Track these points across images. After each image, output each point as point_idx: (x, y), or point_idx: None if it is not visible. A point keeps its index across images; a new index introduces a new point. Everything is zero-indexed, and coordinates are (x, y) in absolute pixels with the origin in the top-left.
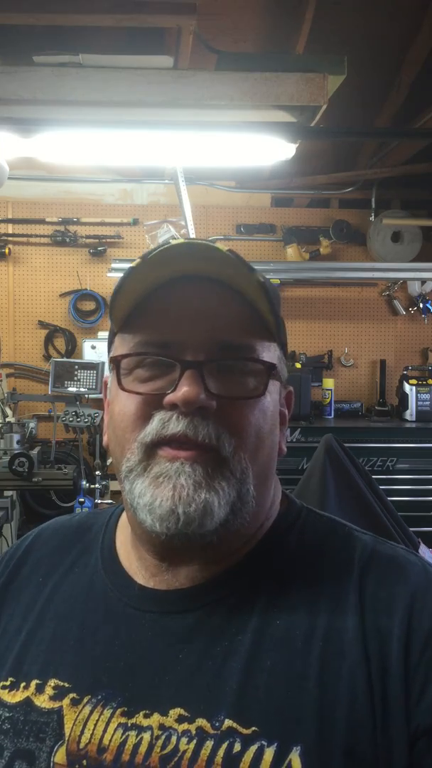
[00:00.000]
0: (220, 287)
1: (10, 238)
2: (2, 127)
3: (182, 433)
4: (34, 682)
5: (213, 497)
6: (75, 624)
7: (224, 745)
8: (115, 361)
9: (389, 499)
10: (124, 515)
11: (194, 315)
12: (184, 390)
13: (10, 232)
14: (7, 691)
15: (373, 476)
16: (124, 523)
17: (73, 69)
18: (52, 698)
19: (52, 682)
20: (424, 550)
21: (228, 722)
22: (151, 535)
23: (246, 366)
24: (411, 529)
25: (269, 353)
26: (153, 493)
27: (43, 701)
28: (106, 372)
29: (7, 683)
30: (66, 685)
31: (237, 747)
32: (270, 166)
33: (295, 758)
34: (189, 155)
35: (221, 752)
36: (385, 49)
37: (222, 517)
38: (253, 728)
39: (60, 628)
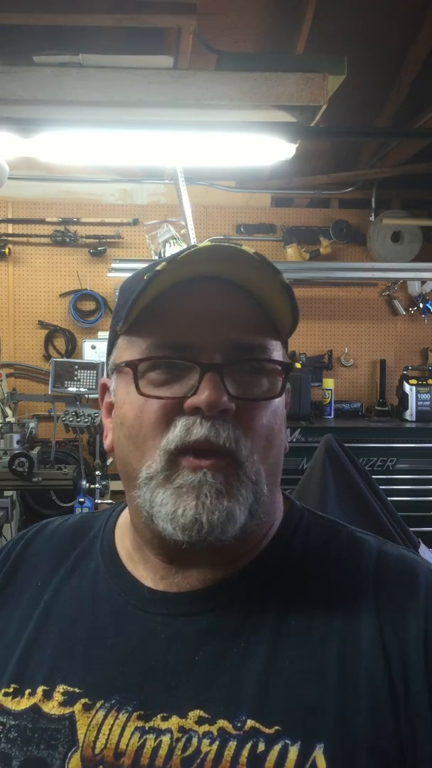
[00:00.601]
0: (225, 286)
1: (10, 238)
2: (2, 127)
3: (205, 437)
4: (40, 689)
5: (234, 505)
6: (81, 629)
7: (248, 745)
8: (132, 365)
9: (389, 499)
10: (122, 517)
11: (205, 315)
12: (207, 393)
13: (10, 232)
14: (10, 698)
15: (373, 476)
16: (123, 525)
17: (73, 69)
18: (62, 704)
19: (61, 688)
20: (424, 550)
21: (250, 722)
22: (165, 541)
23: (262, 366)
24: (411, 529)
25: (277, 352)
26: (175, 502)
27: (52, 708)
28: (104, 375)
29: (10, 690)
30: (76, 690)
31: (261, 747)
32: (270, 166)
33: (319, 756)
34: (189, 155)
35: (245, 752)
36: (385, 49)
37: (242, 522)
38: (276, 727)
39: (65, 633)
